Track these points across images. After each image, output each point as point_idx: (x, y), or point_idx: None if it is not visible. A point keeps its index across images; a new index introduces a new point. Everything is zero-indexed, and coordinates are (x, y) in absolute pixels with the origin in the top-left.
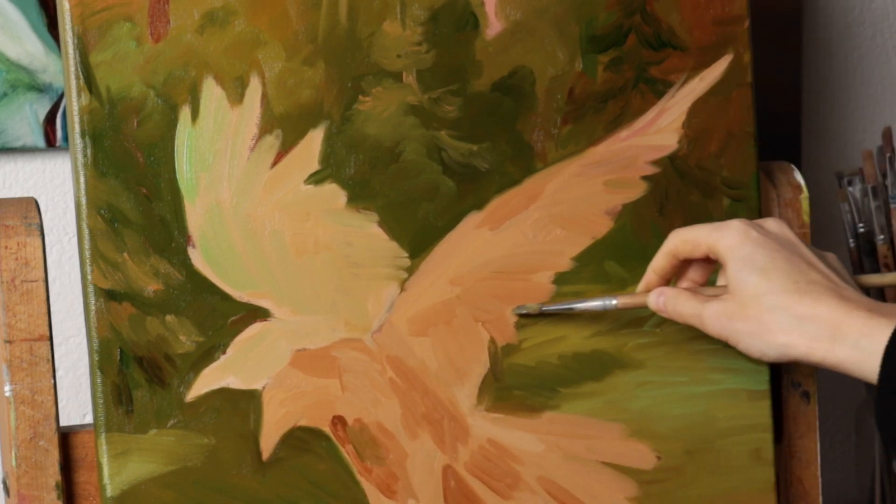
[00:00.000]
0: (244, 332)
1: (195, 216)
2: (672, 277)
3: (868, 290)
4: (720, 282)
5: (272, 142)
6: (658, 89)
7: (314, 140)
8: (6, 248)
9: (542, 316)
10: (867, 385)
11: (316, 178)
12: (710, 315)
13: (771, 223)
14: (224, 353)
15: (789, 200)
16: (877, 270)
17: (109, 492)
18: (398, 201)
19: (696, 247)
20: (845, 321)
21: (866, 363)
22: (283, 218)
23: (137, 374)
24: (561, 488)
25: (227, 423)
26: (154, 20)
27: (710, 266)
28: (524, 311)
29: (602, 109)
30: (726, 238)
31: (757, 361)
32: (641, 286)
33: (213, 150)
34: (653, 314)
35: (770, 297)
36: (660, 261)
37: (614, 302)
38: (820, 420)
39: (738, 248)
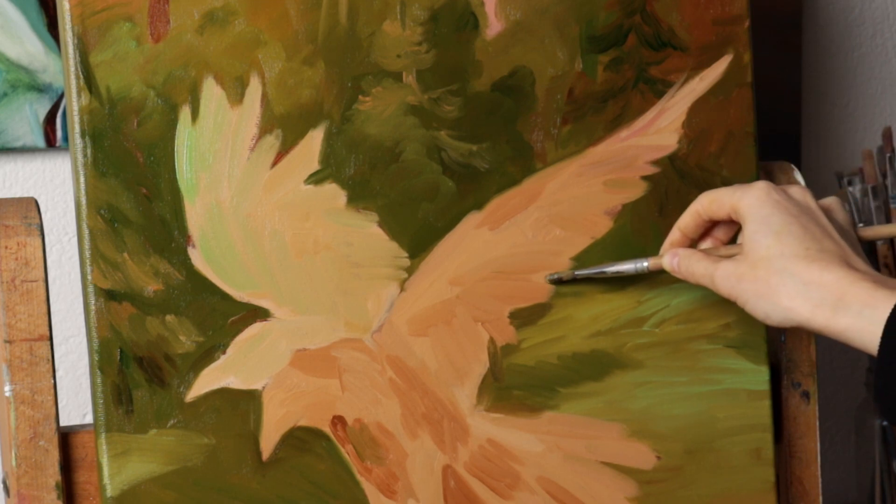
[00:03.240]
0: (244, 332)
1: (195, 216)
2: (696, 237)
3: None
4: (739, 240)
5: (272, 142)
6: (658, 89)
7: (314, 140)
8: (6, 248)
9: (573, 282)
10: (867, 384)
11: (316, 178)
12: (721, 275)
13: (795, 190)
14: (224, 353)
15: None
16: (877, 271)
17: (109, 492)
18: (398, 201)
19: (721, 206)
20: (850, 290)
21: (867, 333)
22: (283, 218)
23: (137, 374)
24: (561, 488)
25: (227, 423)
26: (154, 20)
27: (735, 227)
28: (556, 277)
29: (602, 109)
30: (747, 198)
31: (756, 355)
32: (666, 244)
33: (213, 150)
34: (653, 314)
35: (780, 261)
36: (685, 219)
37: (645, 264)
38: (820, 420)
39: (758, 208)
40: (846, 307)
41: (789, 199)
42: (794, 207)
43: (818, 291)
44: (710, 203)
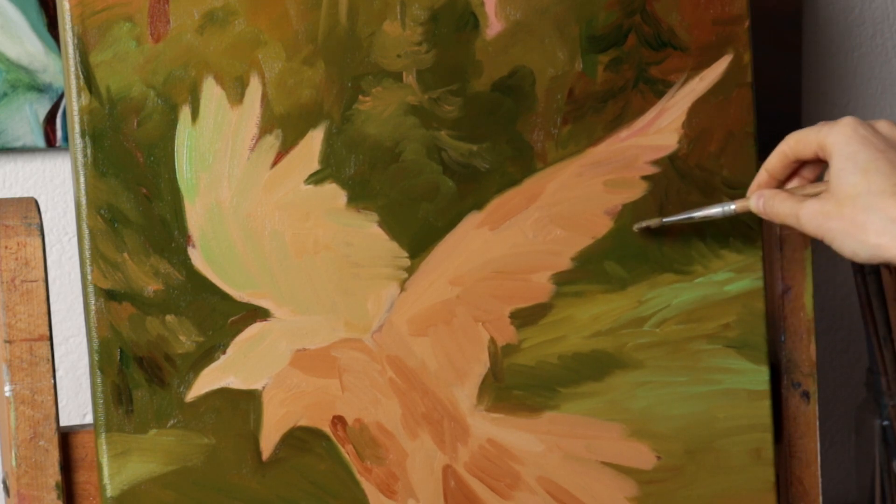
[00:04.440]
0: (244, 332)
1: (195, 216)
2: (784, 178)
3: None
4: (826, 178)
5: (272, 142)
6: (658, 89)
7: (314, 140)
8: (6, 248)
9: (661, 230)
10: (867, 384)
11: (316, 178)
12: (807, 214)
13: (883, 124)
14: (224, 353)
15: None
16: (877, 270)
17: (109, 492)
18: (398, 201)
19: (807, 144)
20: None
21: None
22: (283, 218)
23: (137, 374)
24: (561, 488)
25: (227, 423)
26: (154, 20)
27: (822, 166)
28: (644, 225)
29: (602, 109)
30: (834, 134)
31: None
32: (753, 185)
33: (213, 150)
34: (654, 314)
35: (867, 198)
36: (772, 160)
37: (732, 206)
38: (820, 420)
39: (845, 144)
40: None
41: (876, 133)
42: (882, 143)
43: None
44: (797, 142)
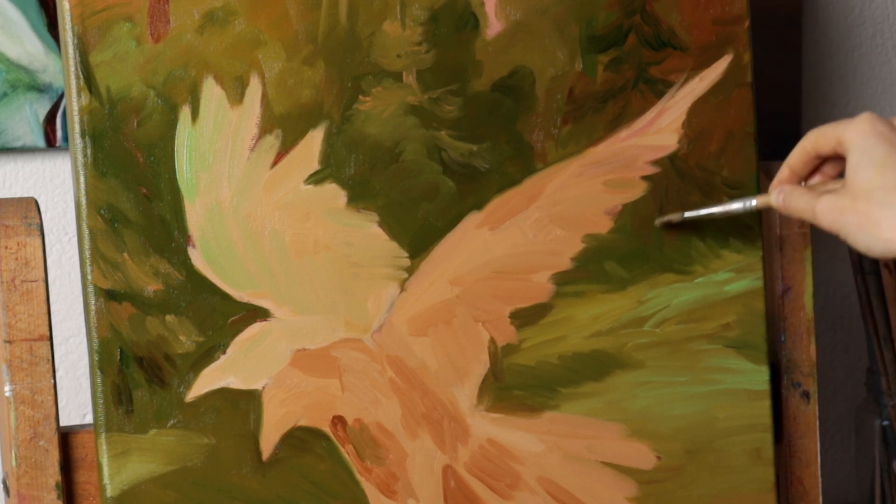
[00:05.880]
0: (244, 332)
1: (195, 216)
2: (805, 174)
3: None
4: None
5: (272, 142)
6: (658, 89)
7: (314, 140)
8: (6, 248)
9: (682, 225)
10: (867, 384)
11: (316, 178)
12: (823, 209)
13: None
14: (224, 353)
15: None
16: (877, 270)
17: (109, 492)
18: (398, 201)
19: (826, 140)
20: None
21: None
22: (283, 218)
23: (137, 374)
24: (561, 488)
25: (227, 423)
26: (154, 20)
27: (843, 163)
28: (665, 220)
29: (602, 109)
30: (852, 129)
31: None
32: (775, 181)
33: (213, 150)
34: (654, 314)
35: (881, 193)
36: (794, 156)
37: (753, 202)
38: (820, 420)
39: (862, 139)
40: None
41: (894, 129)
42: None
43: None
44: (817, 138)
